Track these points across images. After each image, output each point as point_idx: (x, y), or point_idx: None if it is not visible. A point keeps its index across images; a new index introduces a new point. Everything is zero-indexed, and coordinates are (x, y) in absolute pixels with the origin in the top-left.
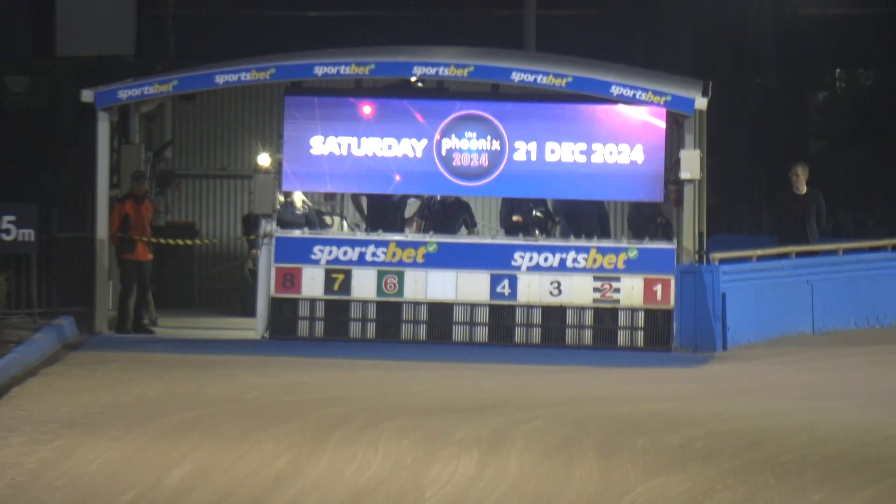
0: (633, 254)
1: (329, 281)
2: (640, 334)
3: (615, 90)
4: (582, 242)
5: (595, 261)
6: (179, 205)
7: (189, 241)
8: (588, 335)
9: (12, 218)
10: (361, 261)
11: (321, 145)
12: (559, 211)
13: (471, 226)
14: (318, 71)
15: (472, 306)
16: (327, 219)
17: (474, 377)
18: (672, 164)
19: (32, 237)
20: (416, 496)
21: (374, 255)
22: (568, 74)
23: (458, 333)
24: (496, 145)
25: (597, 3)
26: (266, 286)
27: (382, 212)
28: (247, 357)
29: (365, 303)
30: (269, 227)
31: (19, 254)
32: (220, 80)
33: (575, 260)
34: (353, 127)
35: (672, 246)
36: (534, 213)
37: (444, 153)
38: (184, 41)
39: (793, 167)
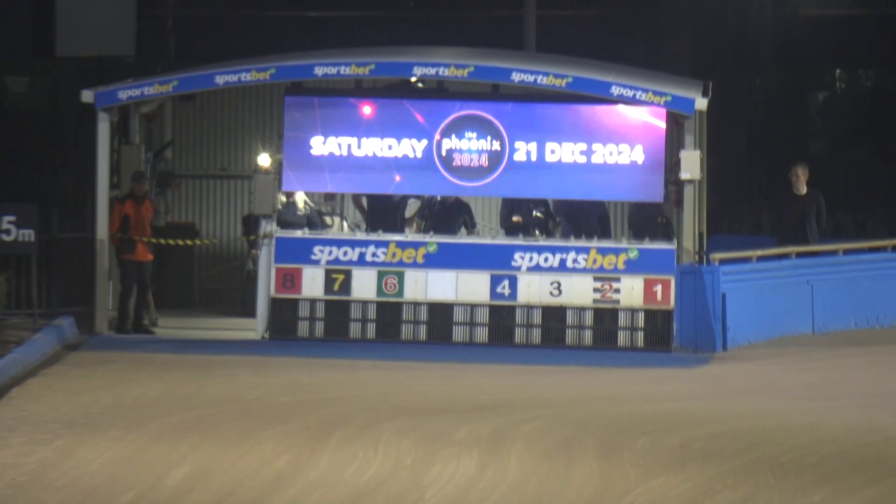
0: (633, 254)
1: (329, 281)
2: (641, 335)
3: (615, 90)
4: (582, 243)
5: (595, 261)
6: (179, 205)
7: (189, 242)
8: (588, 336)
9: (12, 218)
10: (361, 261)
11: (321, 145)
12: (560, 211)
13: (470, 226)
14: (318, 71)
15: (473, 307)
16: (327, 219)
17: (474, 378)
18: (672, 164)
19: (32, 237)
20: (416, 496)
21: (374, 255)
22: (568, 75)
23: (459, 334)
24: (496, 145)
25: (597, 3)
26: (266, 286)
27: (382, 212)
28: (247, 357)
29: (365, 303)
30: (269, 227)
31: (19, 254)
32: (220, 80)
33: (575, 260)
34: (354, 127)
35: (672, 246)
36: (534, 213)
37: (444, 153)
38: (184, 41)
39: (793, 167)
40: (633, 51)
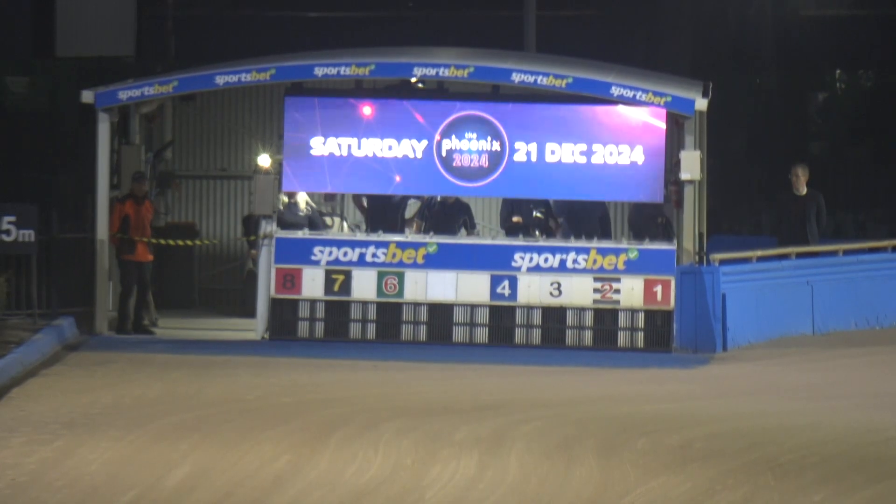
0: (633, 255)
1: (329, 282)
2: (641, 335)
3: (615, 91)
4: (582, 243)
5: (595, 262)
6: (179, 205)
7: (189, 242)
8: (588, 336)
9: (12, 218)
10: (361, 262)
11: (321, 146)
12: (560, 212)
13: (470, 227)
14: (319, 72)
15: (473, 307)
16: (327, 219)
17: (474, 378)
18: (672, 164)
19: (32, 238)
20: (416, 497)
21: (374, 255)
22: (568, 75)
23: (459, 334)
24: (496, 146)
25: (597, 3)
26: (266, 287)
27: (382, 212)
28: (247, 358)
29: (365, 304)
30: (269, 227)
31: (19, 254)
32: (220, 80)
33: (575, 261)
34: (354, 128)
35: (672, 247)
36: (534, 213)
37: (444, 154)
38: (184, 41)
39: (793, 168)
40: (633, 51)
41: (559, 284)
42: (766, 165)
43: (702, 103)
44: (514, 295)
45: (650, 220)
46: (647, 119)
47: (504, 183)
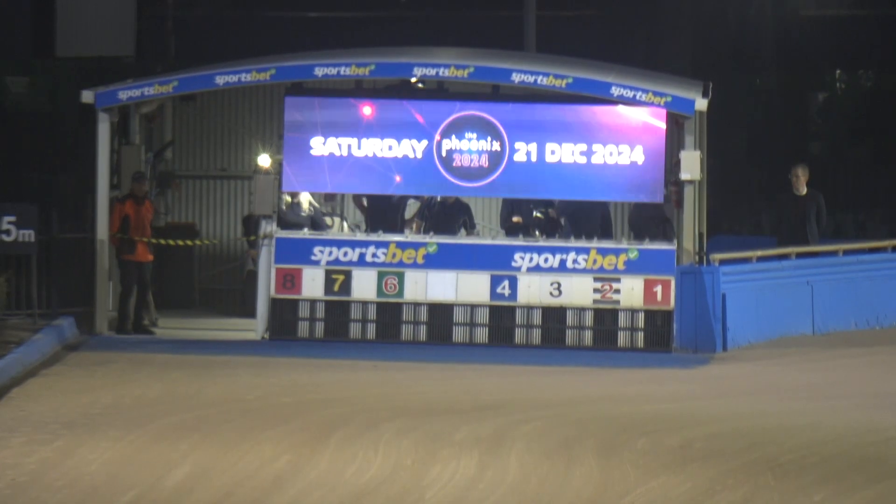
0: (633, 255)
1: (329, 282)
2: (641, 335)
3: (615, 91)
4: (582, 243)
5: (595, 262)
6: (180, 205)
7: (189, 242)
8: (588, 336)
9: (12, 218)
10: (361, 262)
11: (321, 146)
12: (562, 212)
13: (470, 227)
14: (319, 72)
15: (473, 307)
16: (327, 219)
17: (474, 378)
18: (672, 165)
19: (32, 238)
20: (416, 497)
21: (374, 255)
22: (568, 75)
23: (459, 334)
24: (496, 146)
25: (597, 3)
26: (266, 287)
27: (382, 213)
28: (247, 358)
29: (365, 304)
30: (269, 227)
31: (19, 254)
32: (220, 80)
33: (575, 261)
34: (354, 128)
35: (672, 247)
36: (534, 213)
37: (444, 154)
38: (184, 41)
39: (793, 168)
40: (633, 51)
41: (559, 284)
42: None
43: (702, 103)
44: (514, 295)
45: (650, 221)
46: (647, 119)
47: (504, 183)
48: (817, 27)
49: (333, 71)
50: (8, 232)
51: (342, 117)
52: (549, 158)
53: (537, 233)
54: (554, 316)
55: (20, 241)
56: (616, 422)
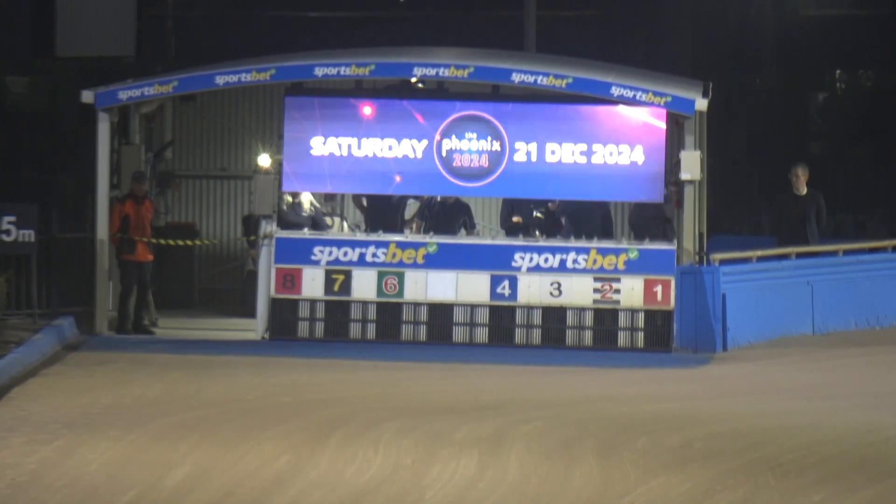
0: (633, 255)
1: (329, 282)
2: (641, 335)
3: (615, 91)
4: (582, 243)
5: (595, 262)
6: (179, 205)
7: (189, 242)
8: (588, 336)
9: (12, 218)
10: (362, 261)
11: (321, 146)
12: (563, 211)
13: (470, 227)
14: (319, 72)
15: (473, 307)
16: (327, 219)
17: (474, 378)
18: (672, 164)
19: (32, 238)
20: (416, 497)
21: (374, 255)
22: (568, 75)
23: (459, 334)
24: (496, 146)
25: (597, 3)
26: (266, 287)
27: (382, 213)
28: (247, 358)
29: (365, 303)
30: (269, 227)
31: (19, 254)
32: (220, 80)
33: (575, 261)
34: (354, 128)
35: (672, 247)
36: (534, 213)
37: (444, 154)
38: (184, 41)
39: (793, 168)
40: (633, 51)
41: (559, 284)
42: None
43: (702, 103)
44: (514, 295)
45: (650, 221)
46: (647, 119)
47: (504, 183)
48: (817, 27)
49: (333, 71)
50: (8, 232)
51: (342, 117)
52: (549, 158)
53: (537, 233)
54: (554, 316)
55: (20, 240)
56: (616, 422)
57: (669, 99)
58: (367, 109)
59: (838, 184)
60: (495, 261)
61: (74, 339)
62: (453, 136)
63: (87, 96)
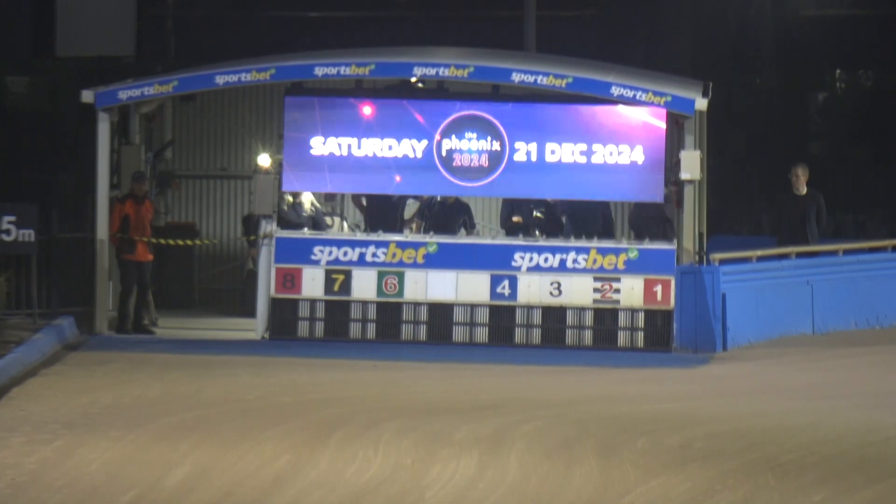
0: (633, 254)
1: (329, 281)
2: (641, 335)
3: (615, 91)
4: (582, 243)
5: (595, 261)
6: (179, 205)
7: (189, 242)
8: (588, 336)
9: (12, 218)
10: (361, 261)
11: (321, 146)
12: (563, 211)
13: (470, 227)
14: (319, 71)
15: (473, 307)
16: (327, 219)
17: (474, 378)
18: (672, 164)
19: (32, 237)
20: (416, 496)
21: (374, 255)
22: (568, 75)
23: (459, 334)
24: (496, 146)
25: (597, 3)
26: (266, 287)
27: (381, 212)
28: (247, 357)
29: (365, 303)
30: (269, 227)
31: (19, 254)
32: (220, 80)
33: (575, 260)
34: (354, 127)
35: (672, 247)
36: (534, 213)
37: (444, 154)
38: (184, 41)
39: (793, 168)
40: (633, 51)
41: (559, 284)
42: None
43: (702, 103)
44: (514, 295)
45: (651, 221)
46: (647, 119)
47: (504, 183)
48: (817, 27)
49: (333, 71)
50: (8, 232)
51: (342, 117)
52: (549, 158)
53: (537, 232)
54: (554, 316)
55: (20, 240)
56: (616, 421)
57: (669, 99)
58: (366, 109)
59: (838, 184)
60: (495, 260)
61: (74, 339)
62: (453, 136)
63: (87, 96)
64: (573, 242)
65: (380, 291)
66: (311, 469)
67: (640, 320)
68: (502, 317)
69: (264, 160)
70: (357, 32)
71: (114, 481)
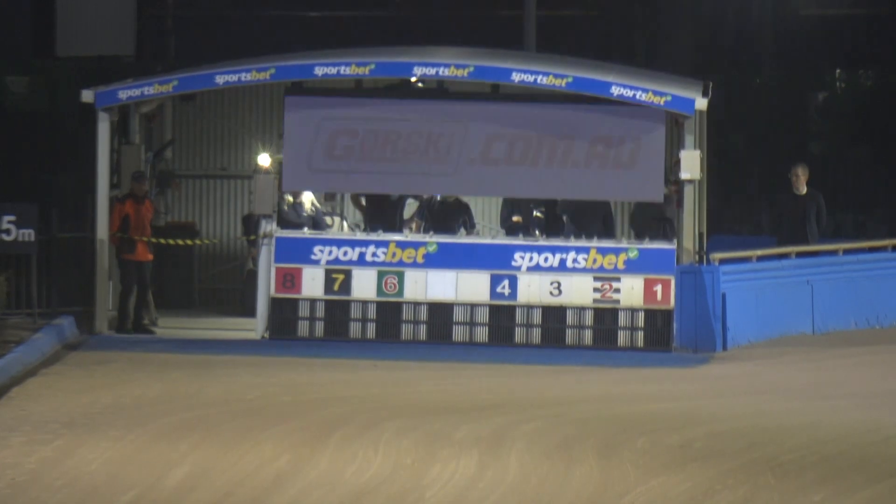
0: (633, 254)
1: (329, 281)
2: (640, 334)
3: (615, 90)
4: (582, 243)
5: (595, 261)
6: (179, 205)
7: (189, 242)
8: (588, 335)
9: (12, 218)
10: (361, 261)
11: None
12: (564, 210)
13: (469, 227)
14: (319, 71)
15: (472, 306)
16: (327, 219)
17: (474, 378)
18: (672, 164)
19: (32, 237)
20: (416, 496)
21: (374, 255)
22: (568, 75)
23: (458, 334)
24: None
25: (597, 3)
26: (266, 286)
27: (380, 212)
28: (247, 357)
29: (365, 303)
30: (269, 227)
31: (19, 254)
32: (220, 80)
33: (575, 260)
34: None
35: (672, 246)
36: (534, 213)
37: None
38: (184, 41)
39: (793, 168)
40: (633, 51)
41: (559, 284)
42: (766, 165)
43: (702, 103)
44: (514, 294)
45: (652, 221)
46: (647, 118)
47: (504, 182)
48: (817, 27)
49: (333, 70)
50: (8, 231)
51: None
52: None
53: (537, 232)
54: (554, 315)
55: (20, 240)
56: (616, 421)
57: (669, 98)
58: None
59: (838, 184)
60: (495, 260)
61: (74, 339)
62: None
63: (87, 96)
64: (573, 242)
65: (380, 291)
66: (312, 469)
67: (640, 320)
68: (502, 316)
69: (264, 160)
70: (357, 32)
71: (114, 481)
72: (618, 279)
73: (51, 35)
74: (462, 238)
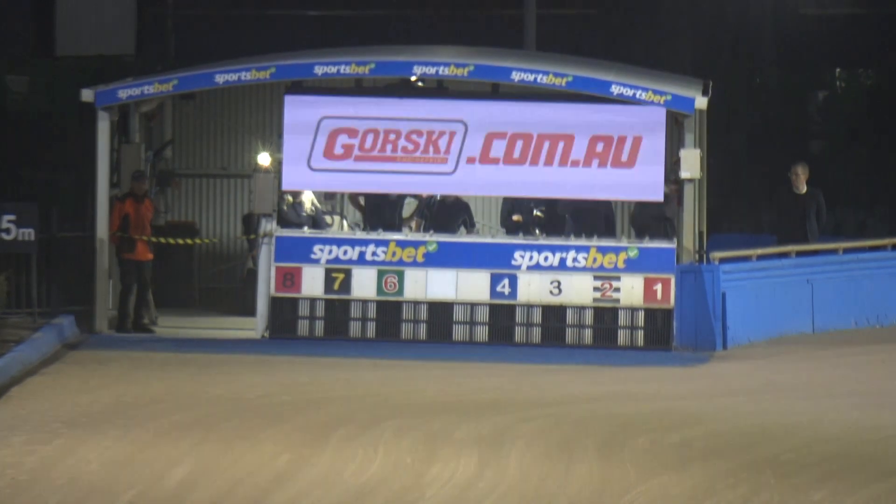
0: (633, 253)
1: (329, 280)
2: (640, 333)
3: (615, 89)
4: (582, 242)
5: (595, 260)
6: (179, 204)
7: (189, 241)
8: (588, 334)
9: (12, 217)
10: (361, 260)
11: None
12: (566, 210)
13: (470, 225)
14: (318, 70)
15: (472, 305)
16: (327, 218)
17: (474, 376)
18: (672, 163)
19: (32, 237)
20: (416, 495)
21: (374, 254)
22: (568, 74)
23: (458, 333)
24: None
25: (597, 2)
26: (266, 285)
27: (379, 211)
28: (247, 356)
29: (365, 302)
30: (269, 226)
31: (19, 253)
32: (220, 79)
33: (575, 259)
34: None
35: (672, 245)
36: (534, 212)
37: None
38: (184, 41)
39: (793, 166)
40: (633, 51)
41: (559, 283)
42: (766, 164)
43: (702, 102)
44: (514, 293)
45: (653, 220)
46: (647, 118)
47: (504, 181)
48: (817, 27)
49: (333, 69)
50: (8, 230)
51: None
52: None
53: (537, 231)
54: (554, 314)
55: (20, 239)
56: (616, 420)
57: (669, 97)
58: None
59: (838, 183)
60: (495, 259)
61: (74, 338)
62: None
63: (87, 95)
64: (573, 241)
65: (380, 290)
66: (312, 468)
67: (640, 319)
68: (502, 315)
69: (264, 159)
70: (357, 32)
71: (114, 480)
72: (618, 278)
73: (51, 35)
74: (462, 237)
